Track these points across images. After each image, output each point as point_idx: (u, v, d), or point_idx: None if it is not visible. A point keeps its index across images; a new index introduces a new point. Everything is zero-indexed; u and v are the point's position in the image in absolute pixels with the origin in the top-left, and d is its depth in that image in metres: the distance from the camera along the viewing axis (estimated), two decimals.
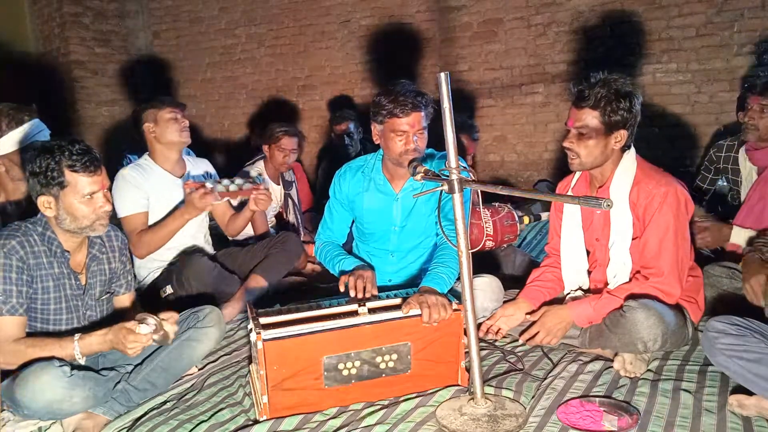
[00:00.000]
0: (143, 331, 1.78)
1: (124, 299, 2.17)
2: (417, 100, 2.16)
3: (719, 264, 2.41)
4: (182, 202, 2.69)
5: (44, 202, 1.86)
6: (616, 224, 2.10)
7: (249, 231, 3.27)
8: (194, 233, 2.87)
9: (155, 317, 1.81)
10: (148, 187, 2.72)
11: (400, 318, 1.91)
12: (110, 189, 1.97)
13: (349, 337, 1.86)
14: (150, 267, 2.78)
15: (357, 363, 1.88)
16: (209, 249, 3.00)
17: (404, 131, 2.18)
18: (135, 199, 2.68)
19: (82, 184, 1.84)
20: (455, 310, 1.94)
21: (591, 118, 2.02)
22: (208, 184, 2.58)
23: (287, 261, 2.91)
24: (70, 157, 1.82)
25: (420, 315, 1.90)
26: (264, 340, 1.78)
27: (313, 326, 1.85)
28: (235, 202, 3.01)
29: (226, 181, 2.65)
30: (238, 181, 2.67)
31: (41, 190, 1.84)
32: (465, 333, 1.90)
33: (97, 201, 1.88)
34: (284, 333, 1.82)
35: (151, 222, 2.73)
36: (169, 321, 1.84)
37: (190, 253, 2.79)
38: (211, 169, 3.02)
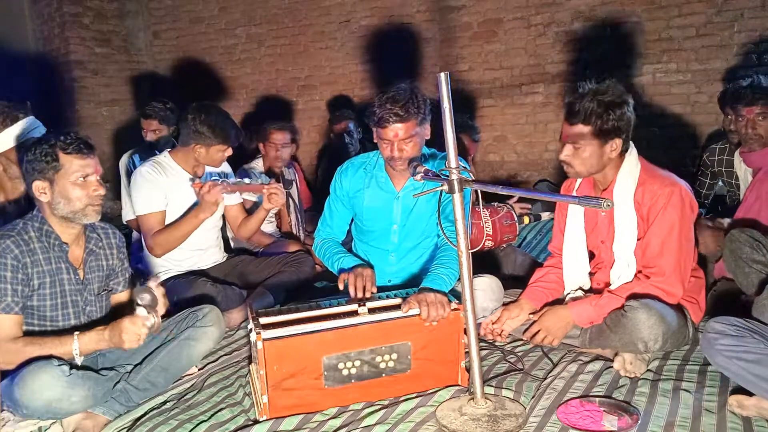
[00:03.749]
0: (142, 314, 1.79)
1: (122, 296, 2.17)
2: (402, 111, 2.14)
3: (745, 231, 2.28)
4: (197, 202, 2.68)
5: (39, 187, 1.88)
6: (620, 225, 2.10)
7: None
8: (206, 233, 2.85)
9: (149, 291, 1.84)
10: (167, 185, 2.71)
11: (399, 317, 1.91)
12: (105, 179, 1.98)
13: (348, 337, 1.86)
14: (163, 265, 2.78)
15: (357, 363, 1.88)
16: (220, 251, 3.00)
17: (389, 140, 2.20)
18: (153, 198, 2.68)
19: (76, 166, 1.88)
20: (454, 309, 1.94)
21: (584, 133, 2.03)
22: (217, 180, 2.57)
23: (297, 282, 2.89)
24: (65, 141, 1.87)
25: (419, 314, 1.90)
26: (264, 340, 1.78)
27: (312, 326, 1.85)
28: (248, 202, 2.98)
29: (236, 179, 2.62)
30: (250, 179, 2.65)
31: (37, 175, 1.87)
32: (465, 332, 1.90)
33: (91, 184, 1.90)
34: (284, 333, 1.82)
35: (168, 221, 2.72)
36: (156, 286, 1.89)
37: (194, 279, 2.73)
38: (228, 170, 3.00)
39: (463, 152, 3.68)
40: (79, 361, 1.86)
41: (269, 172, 3.70)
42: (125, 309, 2.13)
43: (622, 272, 2.12)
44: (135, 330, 1.78)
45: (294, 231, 3.72)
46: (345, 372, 1.88)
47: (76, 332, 1.84)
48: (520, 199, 3.73)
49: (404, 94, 2.18)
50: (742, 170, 2.87)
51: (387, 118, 2.16)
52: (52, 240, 1.92)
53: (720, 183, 3.19)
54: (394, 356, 1.91)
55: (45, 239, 1.91)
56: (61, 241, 1.93)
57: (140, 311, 1.80)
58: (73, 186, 1.88)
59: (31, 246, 1.88)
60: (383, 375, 1.91)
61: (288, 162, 3.89)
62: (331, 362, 1.85)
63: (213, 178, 2.80)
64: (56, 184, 1.87)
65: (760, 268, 2.19)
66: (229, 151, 2.79)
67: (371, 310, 1.93)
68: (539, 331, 2.13)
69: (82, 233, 2.01)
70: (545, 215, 4.08)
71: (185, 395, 2.04)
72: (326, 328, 1.85)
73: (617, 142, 2.04)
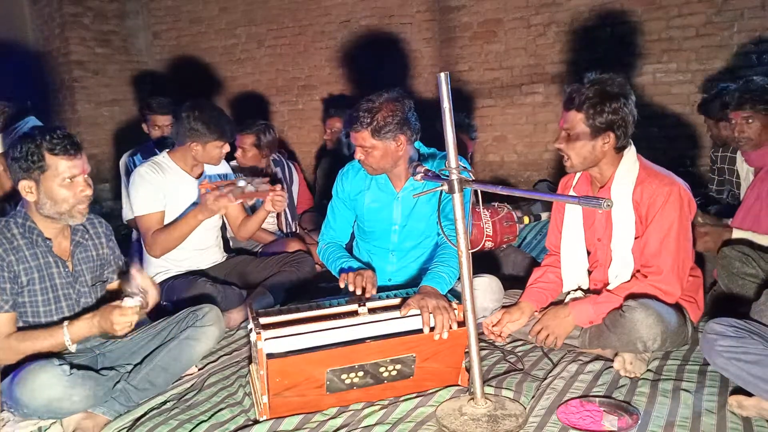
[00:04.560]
0: (129, 304, 1.79)
1: (113, 285, 2.16)
2: (355, 119, 2.20)
3: (734, 247, 2.38)
4: (196, 202, 2.67)
5: (25, 187, 1.87)
6: (618, 224, 2.10)
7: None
8: (206, 233, 2.85)
9: (137, 287, 1.83)
10: (165, 185, 2.71)
11: (407, 333, 1.88)
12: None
13: (354, 353, 1.82)
14: (162, 265, 2.78)
15: (360, 373, 1.86)
16: (219, 251, 3.00)
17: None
18: (151, 198, 2.68)
19: (62, 167, 1.85)
20: (459, 325, 1.90)
21: (577, 120, 2.04)
22: (223, 187, 2.52)
23: (297, 282, 2.89)
24: (51, 141, 1.84)
25: (423, 328, 1.88)
26: (268, 357, 1.73)
27: (316, 338, 1.81)
28: (249, 203, 2.99)
29: (241, 183, 2.57)
30: (255, 182, 2.59)
31: (22, 174, 1.85)
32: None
33: (78, 185, 1.89)
34: (285, 337, 1.79)
35: (166, 221, 2.72)
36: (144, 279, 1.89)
37: (193, 279, 2.73)
38: (228, 170, 3.00)
39: (461, 151, 3.68)
40: (72, 349, 1.87)
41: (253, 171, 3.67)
42: (117, 297, 2.13)
43: (620, 271, 2.12)
44: (124, 318, 1.79)
45: (284, 229, 3.71)
46: (348, 381, 1.86)
47: (66, 322, 1.85)
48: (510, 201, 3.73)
49: (369, 104, 2.21)
50: (744, 169, 2.88)
51: (349, 120, 2.22)
52: (35, 236, 1.91)
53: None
54: (398, 366, 1.89)
55: (29, 235, 1.91)
56: (44, 236, 1.93)
57: (128, 301, 1.80)
58: (60, 187, 1.86)
59: (15, 243, 1.88)
60: (385, 382, 1.90)
61: (277, 160, 3.87)
62: (334, 374, 1.83)
63: (215, 179, 2.80)
64: (42, 185, 1.86)
65: (752, 279, 2.27)
66: (226, 147, 2.78)
67: (371, 310, 1.93)
68: (542, 329, 2.13)
69: (67, 225, 2.00)
70: (545, 215, 4.07)
71: (185, 395, 2.04)
72: (332, 343, 1.81)
73: (610, 136, 2.04)
